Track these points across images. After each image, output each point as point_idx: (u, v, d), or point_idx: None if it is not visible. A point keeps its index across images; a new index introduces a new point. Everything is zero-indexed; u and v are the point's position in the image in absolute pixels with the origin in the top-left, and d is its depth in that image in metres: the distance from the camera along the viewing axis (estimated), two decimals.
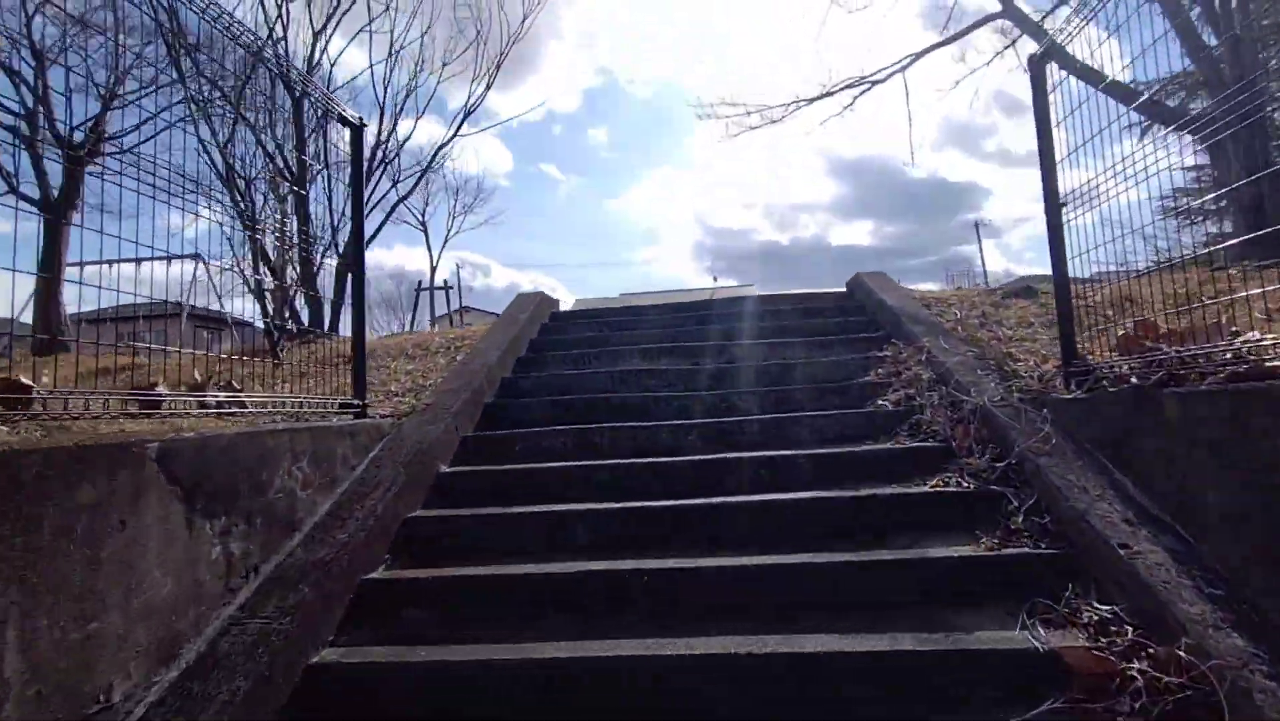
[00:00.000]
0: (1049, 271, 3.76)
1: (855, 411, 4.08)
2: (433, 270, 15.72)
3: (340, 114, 3.88)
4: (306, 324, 9.18)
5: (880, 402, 4.20)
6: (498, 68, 9.43)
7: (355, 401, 3.84)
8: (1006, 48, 10.92)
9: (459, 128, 9.91)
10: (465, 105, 9.80)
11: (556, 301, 7.17)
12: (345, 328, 6.90)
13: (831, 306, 6.39)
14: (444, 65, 9.84)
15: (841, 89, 11.74)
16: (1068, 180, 3.50)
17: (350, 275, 4.03)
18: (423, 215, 16.76)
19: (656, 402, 4.51)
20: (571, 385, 5.00)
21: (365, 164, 9.02)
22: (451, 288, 15.38)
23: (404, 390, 4.94)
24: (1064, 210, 3.50)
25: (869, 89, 11.45)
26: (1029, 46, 10.89)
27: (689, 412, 4.39)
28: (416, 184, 9.71)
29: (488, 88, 9.62)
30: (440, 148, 9.96)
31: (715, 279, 78.50)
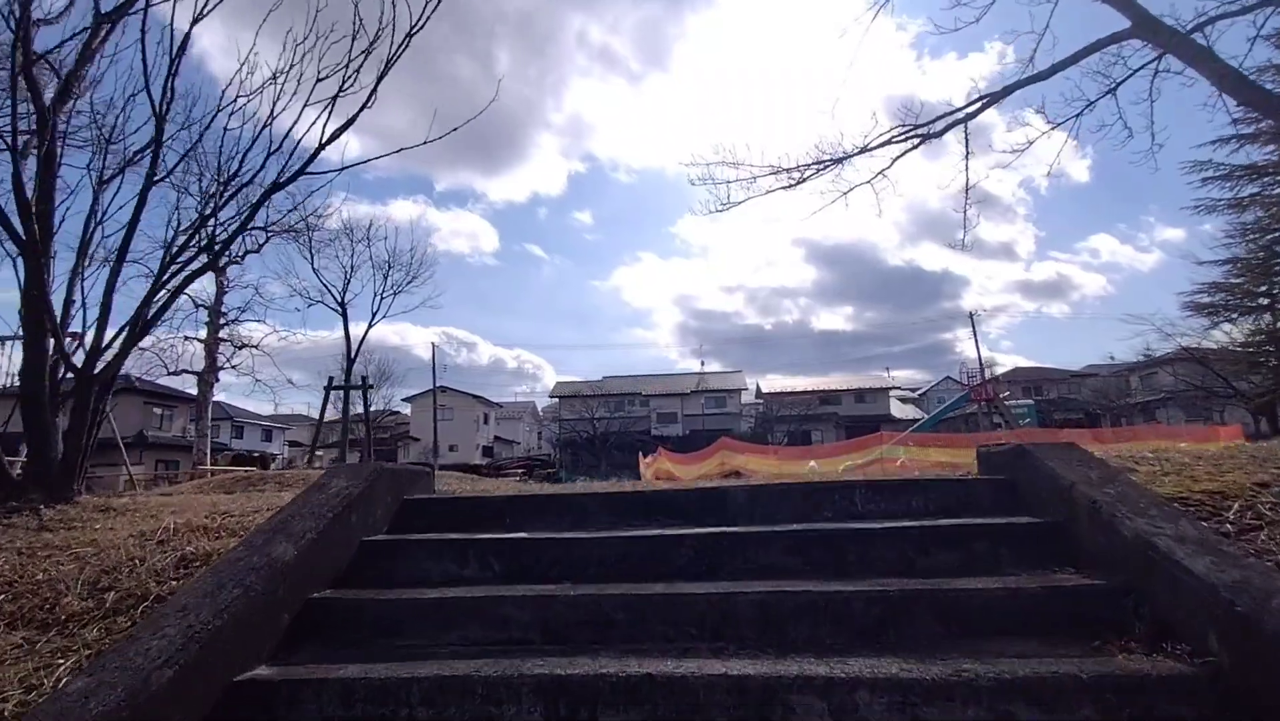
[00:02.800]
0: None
1: None
2: (350, 361, 12.15)
3: None
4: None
5: None
6: (387, 68, 5.95)
7: None
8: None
9: (324, 145, 6.26)
10: (324, 131, 6.19)
11: (420, 475, 3.70)
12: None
13: (981, 526, 2.92)
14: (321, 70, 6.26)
15: (880, 144, 8.80)
16: None
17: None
18: (342, 296, 13.29)
19: None
20: None
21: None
22: (373, 386, 11.88)
23: None
24: None
25: (919, 144, 8.57)
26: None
27: None
28: (234, 237, 5.99)
29: (372, 93, 6.14)
30: (293, 175, 6.35)
31: (703, 364, 75.95)
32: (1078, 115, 8.33)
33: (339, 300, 13.08)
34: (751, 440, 57.06)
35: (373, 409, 60.63)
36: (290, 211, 18.91)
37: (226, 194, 5.80)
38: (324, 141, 5.48)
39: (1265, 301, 25.69)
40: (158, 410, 50.36)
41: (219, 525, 3.73)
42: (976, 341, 54.12)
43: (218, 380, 24.20)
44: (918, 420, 64.71)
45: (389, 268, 13.49)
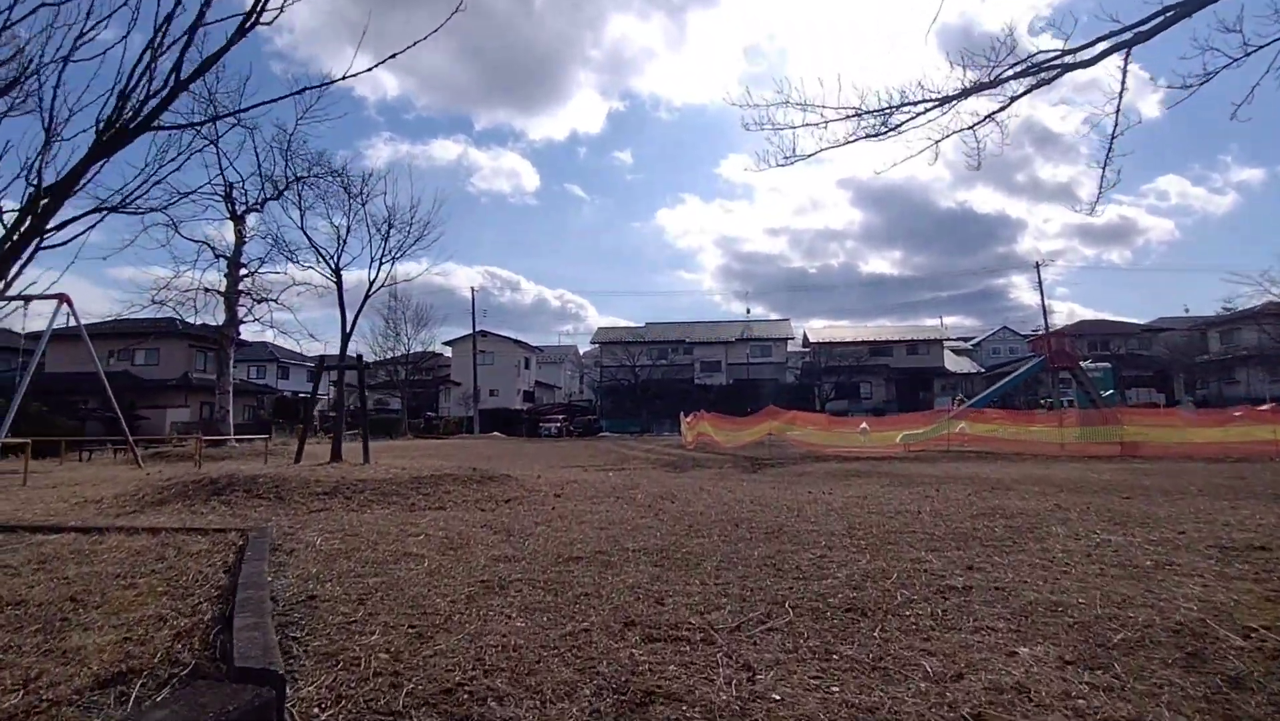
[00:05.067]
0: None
1: None
2: (345, 337, 10.48)
3: None
4: None
5: None
6: None
7: None
8: None
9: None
10: None
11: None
12: None
13: None
14: None
15: (1012, 76, 6.57)
16: None
17: None
18: (336, 260, 11.50)
19: None
20: None
21: None
22: (369, 366, 10.12)
23: None
24: None
25: (1059, 75, 6.35)
26: None
27: None
28: (62, 193, 3.96)
29: None
30: (132, 127, 4.49)
31: (749, 311, 73.50)
32: None
33: (333, 266, 11.33)
34: (797, 392, 55.05)
35: (413, 350, 60.35)
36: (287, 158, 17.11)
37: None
38: (177, 87, 3.60)
39: None
40: (202, 351, 50.65)
41: None
42: (1042, 295, 50.62)
43: (239, 335, 23.17)
44: (972, 374, 61.65)
45: (388, 228, 11.70)
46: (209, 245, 22.06)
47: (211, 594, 3.54)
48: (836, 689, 2.28)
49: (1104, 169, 6.88)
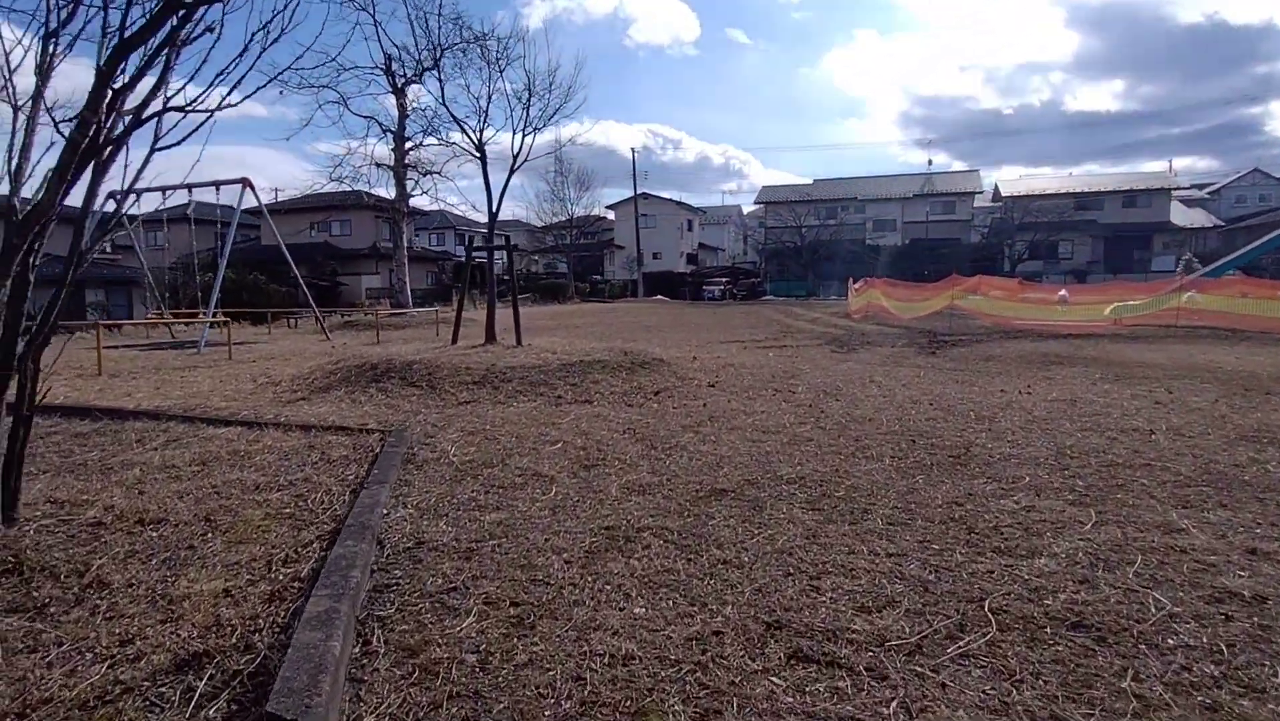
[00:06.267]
0: None
1: None
2: (492, 217, 10.05)
3: None
4: None
5: None
6: None
7: None
8: None
9: None
10: None
11: None
12: None
13: None
14: None
15: None
16: None
17: None
18: (480, 136, 10.73)
19: None
20: None
21: None
22: (517, 247, 9.62)
23: None
24: None
25: None
26: None
27: None
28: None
29: None
30: None
31: (930, 162, 66.15)
32: None
33: (476, 140, 10.80)
34: (984, 253, 49.81)
35: (577, 214, 61.12)
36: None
37: None
38: None
39: None
40: (386, 222, 54.26)
41: None
42: None
43: (408, 207, 24.05)
44: (1206, 228, 52.22)
45: (528, 96, 10.81)
46: (375, 120, 22.70)
47: (325, 528, 3.34)
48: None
49: None
